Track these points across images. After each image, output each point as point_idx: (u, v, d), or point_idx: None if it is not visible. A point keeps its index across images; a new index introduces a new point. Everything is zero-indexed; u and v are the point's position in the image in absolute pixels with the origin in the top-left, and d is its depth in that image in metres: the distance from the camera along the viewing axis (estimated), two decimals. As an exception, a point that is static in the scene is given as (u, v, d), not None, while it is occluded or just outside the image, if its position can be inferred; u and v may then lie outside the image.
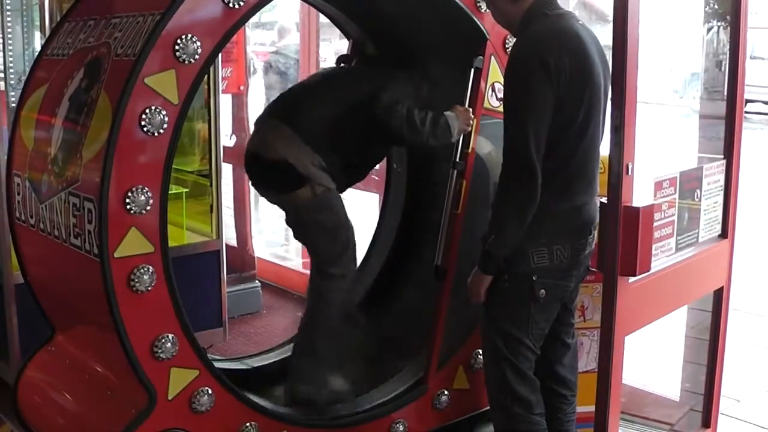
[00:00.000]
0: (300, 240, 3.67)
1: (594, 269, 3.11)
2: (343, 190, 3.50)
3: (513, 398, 2.98)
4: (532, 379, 3.01)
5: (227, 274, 4.75)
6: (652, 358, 4.64)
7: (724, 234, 3.40)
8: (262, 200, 3.64)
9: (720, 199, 3.35)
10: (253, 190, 4.51)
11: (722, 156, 3.37)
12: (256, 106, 6.01)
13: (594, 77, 2.80)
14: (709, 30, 3.85)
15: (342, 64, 3.91)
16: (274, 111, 3.50)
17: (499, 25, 3.06)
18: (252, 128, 3.60)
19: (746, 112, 3.53)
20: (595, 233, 2.97)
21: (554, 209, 2.84)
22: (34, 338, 3.44)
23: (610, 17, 2.64)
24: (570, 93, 2.74)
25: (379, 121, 3.33)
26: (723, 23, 3.76)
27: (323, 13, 4.17)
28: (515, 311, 2.94)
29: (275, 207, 3.62)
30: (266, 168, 3.37)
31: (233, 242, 5.56)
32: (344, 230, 3.43)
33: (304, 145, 3.29)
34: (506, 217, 2.81)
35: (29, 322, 3.77)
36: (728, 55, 3.42)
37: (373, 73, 3.57)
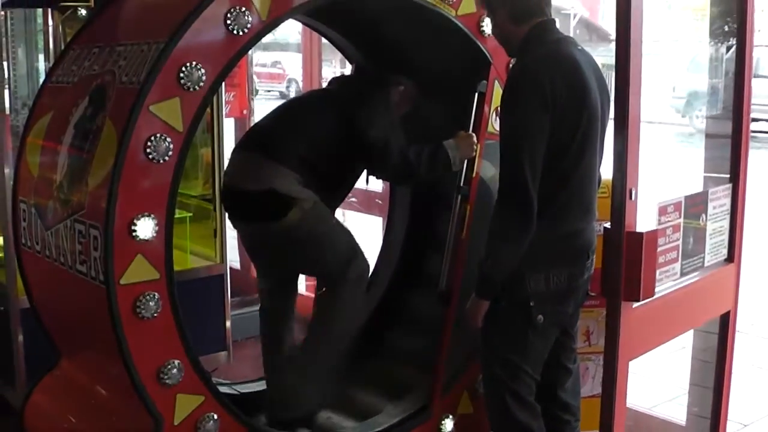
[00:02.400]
0: (301, 263, 3.53)
1: (593, 294, 3.10)
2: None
3: (514, 425, 2.96)
4: (532, 404, 2.99)
5: (231, 298, 4.73)
6: (658, 381, 4.61)
7: (730, 258, 3.39)
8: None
9: (726, 223, 3.34)
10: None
11: (728, 175, 3.36)
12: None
13: (590, 103, 2.80)
14: (729, 49, 3.81)
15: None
16: (246, 144, 3.46)
17: (499, 44, 3.07)
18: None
19: (752, 131, 3.52)
20: (593, 258, 2.96)
21: (551, 235, 2.83)
22: (41, 363, 3.42)
23: (613, 37, 2.64)
24: (566, 119, 2.74)
25: (376, 169, 3.38)
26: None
27: (325, 36, 4.18)
28: (513, 337, 2.93)
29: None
30: (250, 200, 3.30)
31: (237, 265, 5.55)
32: (343, 235, 3.40)
33: (283, 168, 3.24)
34: (502, 242, 2.81)
35: (35, 346, 3.77)
36: (734, 74, 3.41)
37: (357, 98, 3.41)
